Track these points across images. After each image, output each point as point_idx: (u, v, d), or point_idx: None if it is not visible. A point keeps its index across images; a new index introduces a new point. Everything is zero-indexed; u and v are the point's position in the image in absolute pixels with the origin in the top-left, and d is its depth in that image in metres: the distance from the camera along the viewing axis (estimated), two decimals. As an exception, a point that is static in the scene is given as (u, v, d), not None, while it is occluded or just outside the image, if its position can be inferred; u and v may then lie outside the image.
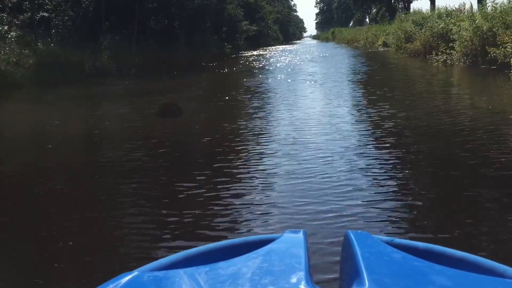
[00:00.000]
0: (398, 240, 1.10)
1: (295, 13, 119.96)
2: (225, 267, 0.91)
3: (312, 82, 12.27)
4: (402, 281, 0.84)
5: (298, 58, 25.96)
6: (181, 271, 0.90)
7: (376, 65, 17.90)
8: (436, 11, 23.52)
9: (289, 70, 17.07)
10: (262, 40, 56.92)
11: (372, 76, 13.43)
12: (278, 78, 14.21)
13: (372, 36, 40.72)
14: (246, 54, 35.02)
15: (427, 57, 18.66)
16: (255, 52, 38.87)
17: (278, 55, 31.32)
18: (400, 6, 68.08)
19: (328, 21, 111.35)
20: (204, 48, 31.47)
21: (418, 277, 0.87)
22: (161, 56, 26.68)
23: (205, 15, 32.43)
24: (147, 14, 30.51)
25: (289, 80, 13.21)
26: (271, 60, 26.07)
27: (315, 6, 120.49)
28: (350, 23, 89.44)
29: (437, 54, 17.48)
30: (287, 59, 25.11)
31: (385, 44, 33.88)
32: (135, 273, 0.90)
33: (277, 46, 56.00)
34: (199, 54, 29.07)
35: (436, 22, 20.42)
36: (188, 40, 31.27)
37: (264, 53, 36.93)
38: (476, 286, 0.85)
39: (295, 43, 75.78)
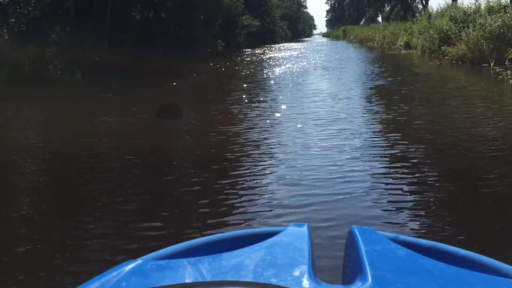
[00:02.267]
0: (402, 236, 1.07)
1: (305, 10, 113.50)
2: (228, 258, 0.90)
3: (325, 120, 6.59)
4: (405, 278, 0.82)
5: (305, 61, 20.22)
6: (184, 261, 0.90)
7: (411, 78, 12.11)
8: (484, 4, 17.71)
9: (290, 86, 11.42)
10: (268, 37, 51.14)
11: (420, 108, 7.75)
12: (269, 109, 8.14)
13: (390, 36, 34.85)
14: (244, 54, 29.25)
15: (489, 67, 12.90)
16: (256, 51, 33.15)
17: (282, 56, 25.54)
18: (415, 3, 63.79)
19: (339, 19, 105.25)
20: (192, 46, 25.87)
21: (422, 275, 0.85)
22: (136, 56, 21.22)
23: (196, 6, 26.74)
24: (125, 3, 24.83)
25: (285, 118, 7.17)
26: (271, 63, 20.37)
27: (325, 3, 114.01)
28: (362, 21, 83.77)
29: (502, 64, 11.71)
30: (291, 63, 19.42)
31: (407, 46, 28.07)
32: (138, 261, 0.90)
33: (284, 44, 50.21)
34: (184, 53, 23.47)
35: (490, 19, 14.67)
36: (173, 37, 25.65)
37: (266, 52, 31.14)
38: (480, 285, 0.83)
39: (304, 41, 70.11)
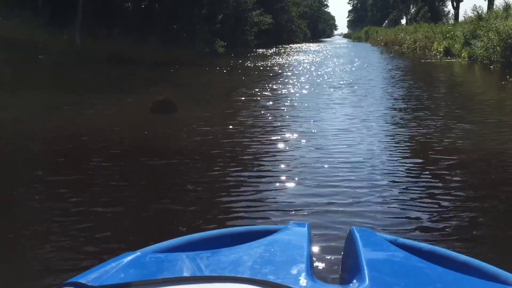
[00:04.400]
0: (402, 239, 1.04)
1: (325, 9, 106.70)
2: (227, 254, 0.88)
3: None
4: (403, 281, 0.80)
5: (321, 72, 14.73)
6: (183, 255, 0.88)
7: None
8: None
9: (278, 149, 5.05)
10: (285, 36, 45.64)
11: None
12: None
13: (423, 39, 29.02)
14: (250, 55, 23.87)
15: None
16: (268, 52, 27.78)
17: (293, 62, 20.12)
18: (441, 6, 60.74)
19: (361, 20, 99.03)
20: (187, 44, 20.75)
21: (419, 278, 0.83)
22: (108, 56, 16.51)
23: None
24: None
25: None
26: (275, 72, 14.99)
27: (348, 3, 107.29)
28: (384, 23, 78.49)
29: None
30: (302, 74, 13.96)
31: (447, 52, 22.38)
32: (137, 253, 0.89)
33: (302, 45, 44.65)
34: (174, 54, 18.39)
35: None
36: (164, 33, 20.56)
37: (277, 54, 25.72)
38: None
39: (324, 42, 64.27)
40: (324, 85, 10.74)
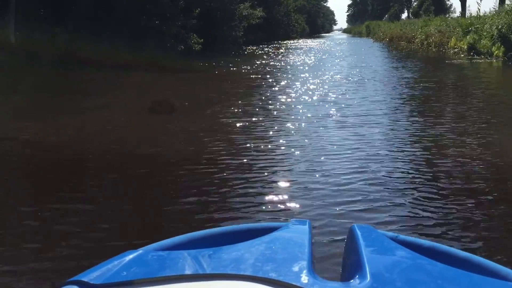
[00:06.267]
0: (403, 236, 1.03)
1: (324, 4, 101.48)
2: (229, 252, 0.87)
3: None
4: (404, 277, 0.79)
5: (316, 86, 10.12)
6: (184, 253, 0.86)
7: None
8: None
9: None
10: (282, 32, 41.14)
11: None
12: None
13: (437, 34, 24.45)
14: (235, 55, 19.34)
15: None
16: (257, 50, 23.40)
17: (283, 67, 15.63)
18: None
19: (361, 14, 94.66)
20: (157, 42, 16.36)
21: (420, 275, 0.81)
22: (58, 55, 12.88)
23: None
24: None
25: None
26: (253, 85, 10.49)
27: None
28: (384, 17, 75.06)
29: None
30: (289, 93, 9.30)
31: (472, 50, 17.83)
32: (139, 251, 0.87)
33: (299, 41, 40.46)
34: (139, 53, 14.14)
35: None
36: (129, 28, 16.20)
37: (266, 55, 21.25)
38: (477, 287, 0.79)
39: (323, 37, 59.92)
40: (323, 117, 6.24)
